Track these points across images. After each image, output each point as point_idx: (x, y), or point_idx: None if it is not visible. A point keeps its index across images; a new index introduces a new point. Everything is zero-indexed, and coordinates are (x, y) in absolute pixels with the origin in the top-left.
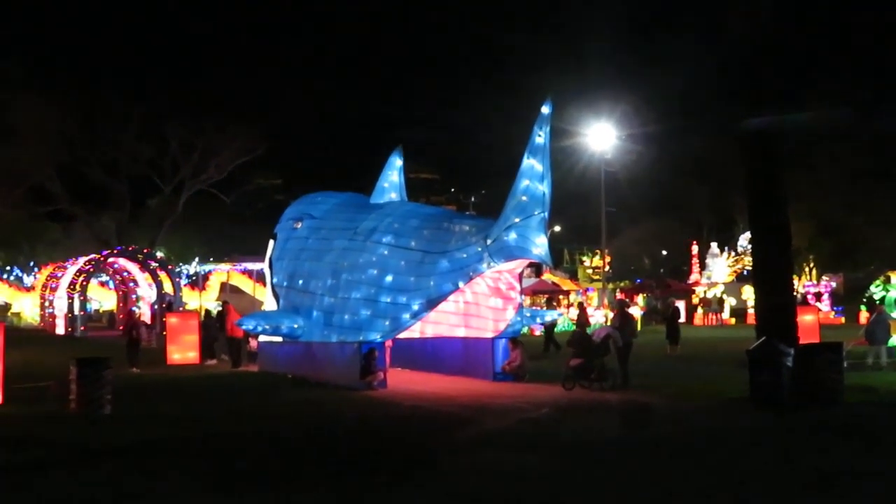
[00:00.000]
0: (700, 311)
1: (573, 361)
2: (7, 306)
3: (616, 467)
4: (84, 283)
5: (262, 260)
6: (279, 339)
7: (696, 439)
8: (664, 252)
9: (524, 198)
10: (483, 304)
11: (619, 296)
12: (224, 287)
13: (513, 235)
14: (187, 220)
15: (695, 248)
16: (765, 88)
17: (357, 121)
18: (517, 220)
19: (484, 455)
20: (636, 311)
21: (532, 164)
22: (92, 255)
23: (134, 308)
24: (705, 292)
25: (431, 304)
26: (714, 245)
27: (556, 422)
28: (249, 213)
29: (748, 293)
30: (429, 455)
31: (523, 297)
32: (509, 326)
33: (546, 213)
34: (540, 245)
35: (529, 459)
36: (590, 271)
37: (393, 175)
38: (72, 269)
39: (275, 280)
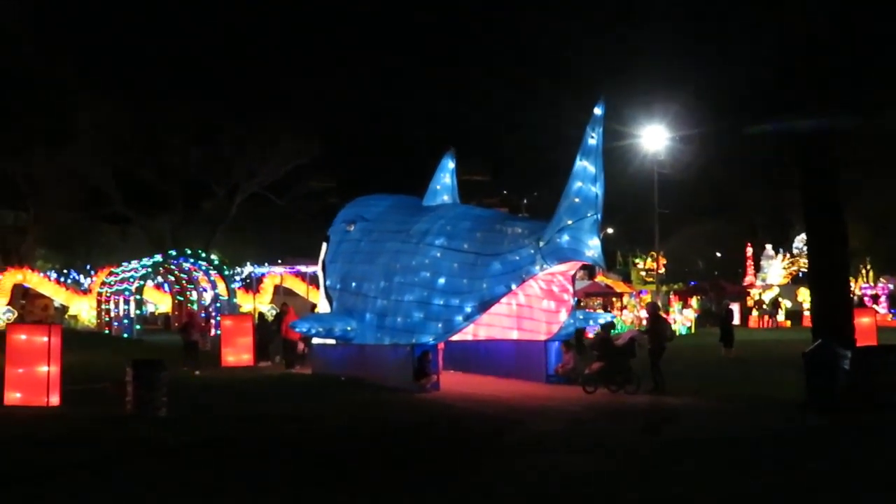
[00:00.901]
0: (755, 313)
1: (595, 364)
2: (64, 309)
3: (671, 470)
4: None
5: (316, 262)
6: (332, 341)
7: (752, 442)
8: (718, 254)
9: (577, 199)
10: (536, 306)
11: (673, 299)
12: (278, 290)
13: (565, 237)
14: (241, 223)
15: (749, 250)
16: (822, 88)
17: (410, 123)
18: (570, 221)
19: (537, 457)
20: (690, 314)
21: (585, 165)
22: (154, 258)
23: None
24: (760, 294)
25: (484, 306)
26: (769, 247)
27: (609, 424)
28: (303, 216)
29: (804, 295)
30: (481, 457)
31: (576, 299)
32: (562, 329)
33: (599, 215)
34: (593, 247)
35: (583, 462)
36: (643, 273)
37: (445, 177)
38: (131, 272)
39: (328, 282)
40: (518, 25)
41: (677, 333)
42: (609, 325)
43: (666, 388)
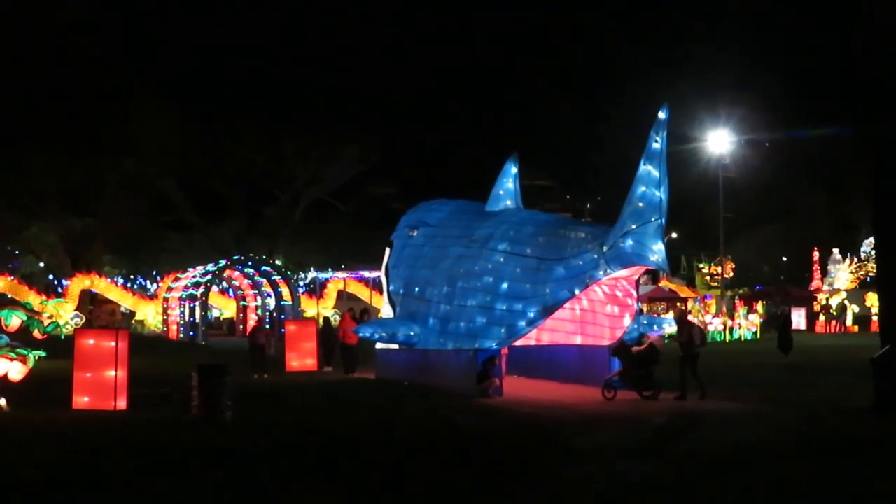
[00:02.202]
0: (822, 318)
1: (616, 371)
2: (131, 314)
3: (740, 476)
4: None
5: (379, 268)
6: (395, 346)
7: (820, 449)
8: (784, 258)
9: (641, 204)
10: (599, 311)
11: (738, 304)
12: (341, 295)
13: (629, 242)
14: (305, 229)
15: (815, 255)
16: (892, 90)
17: (473, 128)
18: (634, 226)
19: (602, 463)
20: (755, 319)
21: (649, 169)
22: (219, 263)
23: (255, 315)
24: (827, 299)
25: (547, 311)
26: (836, 251)
27: (673, 430)
28: (366, 221)
29: (872, 300)
30: (547, 463)
31: (640, 304)
32: (626, 334)
33: (663, 220)
34: (657, 252)
35: (649, 468)
36: (707, 278)
37: (508, 182)
38: (191, 279)
39: (391, 288)
40: (580, 28)
41: (742, 339)
42: (621, 341)
43: (706, 394)
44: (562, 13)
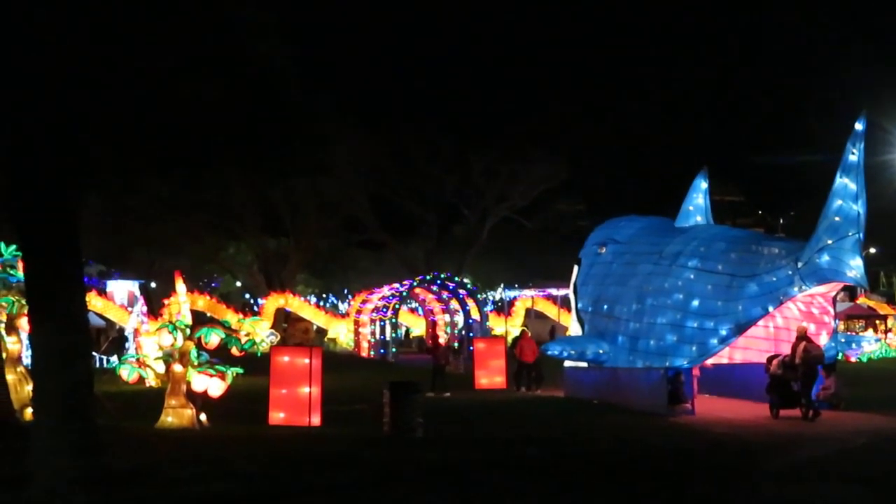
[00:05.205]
0: None
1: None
2: (323, 332)
3: None
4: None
5: (567, 285)
6: (584, 364)
7: None
8: None
9: (837, 218)
10: (794, 329)
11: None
12: (529, 313)
13: (825, 257)
14: (492, 247)
15: None
16: None
17: (661, 143)
18: (830, 241)
19: (803, 486)
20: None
21: (845, 182)
22: (409, 282)
23: (441, 334)
24: None
25: (740, 328)
26: None
27: (878, 452)
28: (553, 239)
29: None
30: (745, 484)
31: (837, 321)
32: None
33: (861, 234)
34: (855, 267)
35: (852, 492)
36: None
37: (698, 198)
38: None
39: (580, 305)
40: (774, 40)
41: None
42: (773, 356)
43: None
44: (753, 23)
